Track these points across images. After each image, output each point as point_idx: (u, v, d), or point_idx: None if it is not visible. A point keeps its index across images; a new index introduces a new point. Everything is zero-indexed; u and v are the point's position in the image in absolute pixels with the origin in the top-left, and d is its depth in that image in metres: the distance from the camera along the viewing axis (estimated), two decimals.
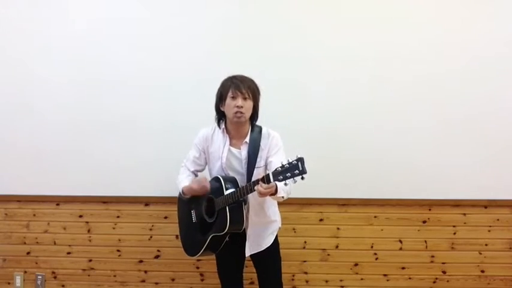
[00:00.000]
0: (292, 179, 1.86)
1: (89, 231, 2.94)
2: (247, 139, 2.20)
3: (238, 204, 2.11)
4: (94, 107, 2.87)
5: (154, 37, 2.86)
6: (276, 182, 1.94)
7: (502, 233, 2.81)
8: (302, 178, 1.85)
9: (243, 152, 2.19)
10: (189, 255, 2.38)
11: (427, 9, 2.79)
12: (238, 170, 2.21)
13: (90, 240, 2.94)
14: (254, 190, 1.98)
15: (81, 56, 2.87)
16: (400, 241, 2.84)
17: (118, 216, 2.92)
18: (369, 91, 2.79)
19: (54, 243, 2.94)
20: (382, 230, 2.84)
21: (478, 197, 2.79)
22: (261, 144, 2.19)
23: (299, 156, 1.86)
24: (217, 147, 2.25)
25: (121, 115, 2.87)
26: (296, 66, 2.81)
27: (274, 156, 2.17)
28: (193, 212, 2.33)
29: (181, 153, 2.61)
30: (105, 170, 2.87)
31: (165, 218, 2.90)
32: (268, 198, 2.13)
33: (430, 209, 2.83)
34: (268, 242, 2.24)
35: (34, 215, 2.95)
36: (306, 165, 1.84)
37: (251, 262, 2.36)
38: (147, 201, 2.90)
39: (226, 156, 2.21)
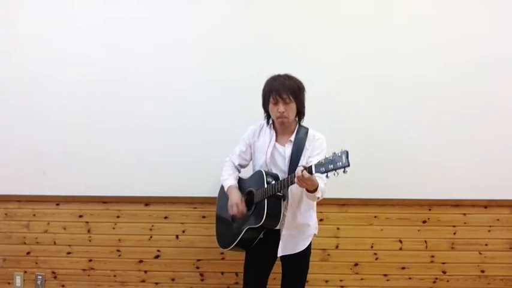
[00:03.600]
0: (334, 171, 1.87)
1: (89, 231, 2.94)
2: (292, 138, 2.22)
3: (277, 198, 2.12)
4: (94, 107, 2.88)
5: (154, 37, 2.86)
6: (318, 180, 1.98)
7: (502, 233, 2.81)
8: (344, 171, 1.86)
9: (287, 149, 2.21)
10: (221, 247, 2.39)
11: (427, 9, 2.79)
12: (280, 167, 2.22)
13: (90, 240, 2.94)
14: (294, 182, 1.98)
15: (81, 56, 2.87)
16: (400, 241, 2.84)
17: (118, 216, 2.92)
18: (369, 91, 2.80)
19: (54, 243, 2.94)
20: (382, 230, 2.84)
21: (478, 197, 2.79)
22: (306, 144, 2.21)
23: (344, 149, 1.87)
24: (263, 142, 2.28)
25: (121, 115, 2.87)
26: (296, 66, 2.76)
27: (315, 157, 2.15)
28: None
29: (181, 153, 2.63)
30: (105, 170, 2.87)
31: (165, 218, 2.90)
32: (305, 198, 2.17)
33: (430, 209, 2.83)
34: (303, 246, 2.23)
35: (34, 215, 2.95)
36: (350, 158, 1.85)
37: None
38: (147, 201, 2.89)
39: (271, 151, 2.23)
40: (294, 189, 2.15)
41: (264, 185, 2.14)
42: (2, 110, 2.91)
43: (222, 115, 2.81)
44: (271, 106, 2.18)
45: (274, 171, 2.22)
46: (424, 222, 2.83)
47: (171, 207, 2.85)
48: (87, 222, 2.93)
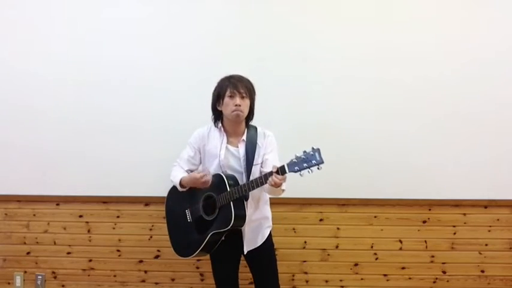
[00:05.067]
0: (308, 169, 1.93)
1: (89, 231, 2.94)
2: (244, 137, 2.24)
3: (241, 200, 2.14)
4: (94, 107, 2.88)
5: (153, 37, 2.86)
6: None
7: (502, 233, 2.81)
8: (318, 168, 1.92)
9: (241, 149, 2.23)
10: (182, 257, 2.35)
11: (427, 9, 2.79)
12: (235, 167, 2.23)
13: (90, 240, 2.94)
14: (266, 183, 2.02)
15: (81, 56, 2.87)
16: (400, 241, 2.84)
17: (118, 216, 2.92)
18: (369, 91, 2.79)
19: (54, 243, 2.94)
20: (382, 230, 2.84)
21: (478, 197, 2.79)
22: (258, 142, 2.24)
23: (315, 147, 1.94)
24: (214, 146, 2.27)
25: (121, 115, 2.87)
26: (296, 66, 2.81)
27: (270, 154, 2.23)
28: (188, 212, 2.33)
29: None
30: (105, 170, 2.87)
31: (165, 218, 2.89)
32: (263, 195, 2.23)
33: (430, 209, 2.83)
34: (263, 237, 2.27)
35: (34, 215, 2.95)
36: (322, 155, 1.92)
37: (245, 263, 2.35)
38: (147, 201, 2.89)
39: (224, 153, 2.23)
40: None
41: (227, 188, 2.13)
42: (2, 110, 2.91)
43: None
44: (226, 100, 2.18)
45: (229, 172, 2.22)
46: (424, 222, 2.83)
47: None
48: (87, 222, 2.93)
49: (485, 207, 2.81)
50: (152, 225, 2.91)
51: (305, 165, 1.93)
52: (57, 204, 2.93)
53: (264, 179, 2.04)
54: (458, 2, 2.79)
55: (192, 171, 2.36)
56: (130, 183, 2.87)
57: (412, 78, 2.78)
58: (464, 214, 2.82)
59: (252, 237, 2.25)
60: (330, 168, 2.70)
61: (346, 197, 2.81)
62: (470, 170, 2.78)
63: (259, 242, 2.26)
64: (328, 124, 2.79)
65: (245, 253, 2.24)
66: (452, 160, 2.78)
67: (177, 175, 2.33)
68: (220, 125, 2.28)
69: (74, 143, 2.88)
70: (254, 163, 2.20)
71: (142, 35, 2.86)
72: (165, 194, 2.80)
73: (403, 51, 2.79)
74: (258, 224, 2.27)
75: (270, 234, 2.31)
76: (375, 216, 2.84)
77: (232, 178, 2.19)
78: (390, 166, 2.79)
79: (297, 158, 1.96)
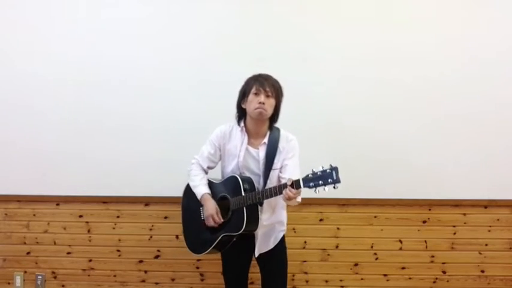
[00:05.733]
0: (323, 186, 1.90)
1: (89, 231, 2.94)
2: (266, 140, 2.19)
3: (255, 205, 2.11)
4: (94, 107, 2.87)
5: (154, 37, 2.86)
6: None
7: (502, 233, 2.81)
8: (334, 187, 1.89)
9: (261, 152, 2.19)
10: (193, 253, 2.34)
11: (427, 9, 2.79)
12: (253, 170, 2.20)
13: (90, 240, 2.94)
14: (281, 193, 1.99)
15: (81, 56, 2.87)
16: (400, 241, 2.84)
17: (118, 216, 2.92)
18: (369, 91, 2.79)
19: (54, 243, 2.94)
20: (382, 230, 2.84)
21: (478, 197, 2.79)
22: (279, 146, 2.19)
23: (333, 165, 1.91)
24: (234, 145, 2.22)
25: (121, 115, 2.87)
26: (296, 66, 2.80)
27: (290, 160, 2.17)
28: (202, 209, 2.28)
29: (181, 153, 2.62)
30: (105, 170, 2.87)
31: (165, 218, 2.90)
32: (280, 201, 2.17)
33: (430, 209, 2.83)
34: (276, 240, 2.24)
35: (34, 215, 2.95)
36: (340, 174, 1.89)
37: (253, 262, 2.35)
38: (147, 201, 2.89)
39: (243, 155, 2.19)
40: None
41: (241, 192, 2.11)
42: (2, 110, 2.91)
43: (222, 115, 2.79)
44: (251, 97, 2.14)
45: (246, 174, 2.20)
46: (424, 222, 2.83)
47: (171, 207, 2.84)
48: (87, 222, 2.93)
49: (485, 207, 2.81)
50: (152, 225, 2.91)
51: (321, 182, 1.90)
52: (57, 204, 2.93)
53: (278, 190, 2.01)
54: (458, 2, 2.79)
55: (210, 168, 2.33)
56: (130, 183, 2.87)
57: (412, 78, 2.78)
58: (464, 214, 2.82)
59: (265, 241, 2.23)
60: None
61: (346, 197, 2.80)
62: (470, 170, 2.78)
63: (272, 245, 2.24)
64: (328, 124, 2.79)
65: (256, 256, 2.23)
66: (452, 160, 2.78)
67: (199, 185, 2.25)
68: (242, 124, 2.23)
69: (74, 143, 2.88)
70: (273, 168, 2.16)
71: (142, 35, 2.86)
72: (165, 194, 2.83)
73: (403, 51, 2.79)
74: (272, 227, 2.24)
75: (283, 238, 2.28)
76: (375, 216, 2.84)
77: (248, 181, 2.15)
78: (390, 166, 2.79)
79: (313, 173, 1.92)
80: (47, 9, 2.89)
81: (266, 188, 2.11)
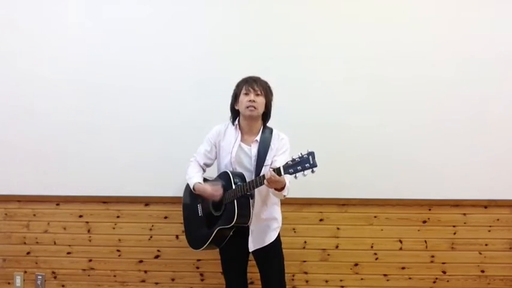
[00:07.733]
0: (302, 172, 1.95)
1: (89, 231, 2.94)
2: (258, 137, 2.28)
3: (246, 198, 2.18)
4: (94, 107, 2.88)
5: (154, 37, 2.86)
6: (285, 180, 2.05)
7: (502, 233, 2.81)
8: (312, 171, 1.94)
9: (253, 149, 2.28)
10: (193, 249, 2.41)
11: (427, 9, 2.79)
12: (246, 166, 2.28)
13: (90, 240, 2.94)
14: (263, 183, 2.06)
15: (81, 57, 2.87)
16: (400, 241, 2.84)
17: (118, 216, 2.92)
18: (369, 91, 2.80)
19: (54, 243, 2.94)
20: (382, 230, 2.84)
21: (478, 197, 2.79)
22: (271, 144, 2.28)
23: (309, 150, 1.96)
24: (228, 142, 2.32)
25: (121, 115, 2.87)
26: (296, 65, 2.81)
27: (280, 156, 2.26)
28: (199, 206, 2.39)
29: (181, 153, 2.62)
30: (105, 170, 2.87)
31: (165, 218, 2.90)
32: (271, 196, 2.25)
33: (430, 209, 2.83)
34: (271, 238, 2.29)
35: (34, 215, 2.95)
36: (316, 159, 1.93)
37: (252, 262, 2.37)
38: (147, 201, 2.90)
39: (236, 151, 2.28)
40: (261, 188, 2.19)
41: (232, 186, 2.19)
42: (2, 110, 2.91)
43: (222, 115, 2.79)
44: (242, 97, 2.25)
45: (239, 170, 2.27)
46: (424, 222, 2.83)
47: (171, 207, 2.84)
48: (87, 222, 2.93)
49: (485, 207, 2.81)
50: (152, 225, 2.91)
51: (299, 168, 1.95)
52: (57, 204, 2.93)
53: (262, 179, 2.08)
54: (458, 2, 2.79)
55: (207, 165, 2.43)
56: (130, 183, 2.87)
57: (412, 78, 2.78)
58: (464, 214, 2.82)
59: (259, 237, 2.28)
60: (330, 168, 2.74)
61: (346, 197, 2.82)
62: (470, 170, 2.78)
63: (267, 242, 2.29)
64: (328, 124, 2.80)
65: (251, 251, 2.28)
66: (452, 160, 2.78)
67: (193, 177, 2.36)
68: (236, 123, 2.34)
69: (74, 143, 2.88)
70: (265, 164, 2.24)
71: (143, 34, 2.86)
72: (164, 194, 2.83)
73: (403, 51, 2.79)
74: (266, 224, 2.30)
75: (278, 235, 2.34)
76: (375, 216, 2.84)
77: (239, 176, 2.23)
78: (390, 166, 2.79)
79: (292, 160, 1.99)
80: (47, 9, 2.88)
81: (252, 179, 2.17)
